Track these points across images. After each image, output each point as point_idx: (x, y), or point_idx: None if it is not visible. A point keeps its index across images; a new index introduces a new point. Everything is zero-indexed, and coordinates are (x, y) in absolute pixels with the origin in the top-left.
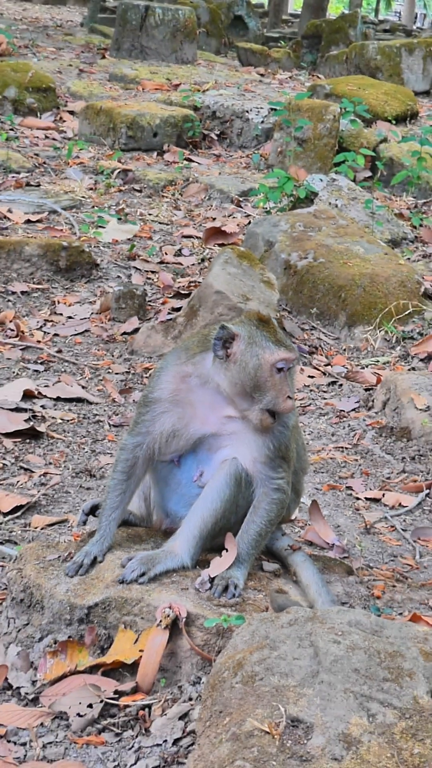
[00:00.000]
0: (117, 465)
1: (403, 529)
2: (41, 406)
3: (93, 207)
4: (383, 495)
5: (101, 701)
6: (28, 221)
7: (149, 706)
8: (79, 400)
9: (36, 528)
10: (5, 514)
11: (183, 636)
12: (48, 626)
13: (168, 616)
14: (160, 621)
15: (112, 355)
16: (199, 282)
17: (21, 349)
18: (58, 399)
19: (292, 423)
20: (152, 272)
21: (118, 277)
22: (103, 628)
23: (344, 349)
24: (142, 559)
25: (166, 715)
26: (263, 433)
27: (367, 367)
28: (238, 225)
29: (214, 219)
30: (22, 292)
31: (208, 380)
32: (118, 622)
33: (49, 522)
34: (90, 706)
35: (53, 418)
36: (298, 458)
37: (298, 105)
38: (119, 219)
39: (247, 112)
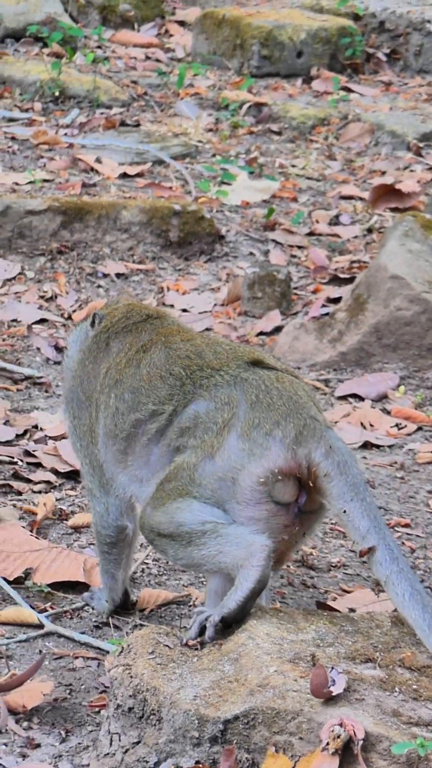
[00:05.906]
0: None
1: None
2: None
3: (214, 156)
4: None
5: None
6: (125, 175)
7: None
8: None
9: (145, 609)
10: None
11: (359, 765)
12: (167, 746)
13: (338, 736)
14: (327, 744)
15: None
16: (365, 262)
17: None
18: None
19: None
20: (299, 248)
21: (251, 254)
22: (246, 752)
23: None
24: None
25: None
26: None
27: None
28: (418, 182)
29: (384, 173)
30: (118, 275)
31: None
32: (267, 743)
33: (165, 600)
34: None
35: None
36: None
37: None
38: (251, 172)
39: (429, 22)
